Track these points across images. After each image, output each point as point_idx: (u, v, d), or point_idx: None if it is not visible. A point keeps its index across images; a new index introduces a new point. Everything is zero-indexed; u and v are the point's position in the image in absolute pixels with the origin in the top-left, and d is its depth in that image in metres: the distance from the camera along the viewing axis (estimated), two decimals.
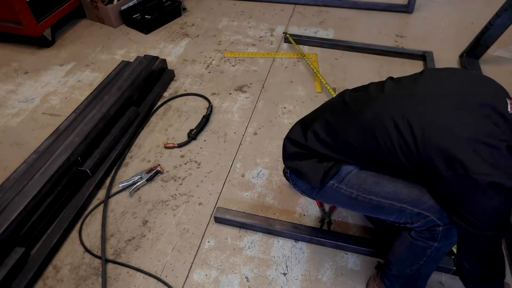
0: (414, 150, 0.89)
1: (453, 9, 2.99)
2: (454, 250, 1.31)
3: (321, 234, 1.45)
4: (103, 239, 1.46)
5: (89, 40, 2.68)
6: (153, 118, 2.03)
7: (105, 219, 1.54)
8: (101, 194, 1.65)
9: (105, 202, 1.60)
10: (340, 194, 1.07)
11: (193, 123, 1.98)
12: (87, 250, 1.44)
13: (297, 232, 1.46)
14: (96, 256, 1.42)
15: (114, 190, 1.66)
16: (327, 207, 1.59)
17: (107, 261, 1.41)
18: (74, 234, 1.50)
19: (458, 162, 0.83)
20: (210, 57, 2.48)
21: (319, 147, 1.06)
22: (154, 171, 1.70)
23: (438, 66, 2.35)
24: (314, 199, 1.37)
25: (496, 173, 0.81)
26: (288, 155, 1.16)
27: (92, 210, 1.58)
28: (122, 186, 1.65)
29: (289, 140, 1.16)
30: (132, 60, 2.22)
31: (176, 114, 2.05)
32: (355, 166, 1.05)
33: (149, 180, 1.68)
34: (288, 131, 1.22)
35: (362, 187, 1.04)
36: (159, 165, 1.74)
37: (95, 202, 1.62)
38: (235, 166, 1.77)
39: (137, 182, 1.66)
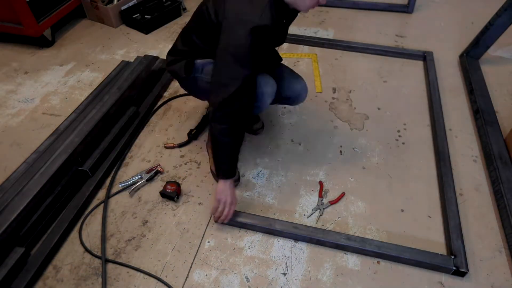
0: (214, 19, 1.33)
1: (453, 9, 2.99)
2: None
3: (321, 234, 1.45)
4: (103, 239, 1.46)
5: (89, 40, 2.68)
6: (153, 118, 2.03)
7: (105, 219, 1.54)
8: (101, 194, 1.65)
9: (105, 202, 1.60)
10: (203, 82, 1.49)
11: (193, 123, 1.98)
12: (87, 250, 1.44)
13: (297, 232, 1.46)
14: (96, 256, 1.42)
15: (114, 190, 1.66)
16: (326, 200, 1.59)
17: (107, 261, 1.41)
18: (74, 234, 1.50)
19: (223, 11, 1.27)
20: None
21: (183, 51, 1.53)
22: (154, 171, 1.70)
23: (438, 66, 2.35)
24: (190, 92, 1.70)
25: (247, 14, 1.22)
26: (168, 64, 1.59)
27: (92, 210, 1.58)
28: (122, 186, 1.66)
29: (169, 53, 1.60)
30: (132, 60, 2.23)
31: (176, 114, 2.05)
32: (206, 60, 1.48)
33: (149, 180, 1.68)
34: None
35: (210, 73, 1.41)
36: (159, 165, 1.74)
37: (95, 202, 1.62)
38: None
39: (137, 182, 1.66)
